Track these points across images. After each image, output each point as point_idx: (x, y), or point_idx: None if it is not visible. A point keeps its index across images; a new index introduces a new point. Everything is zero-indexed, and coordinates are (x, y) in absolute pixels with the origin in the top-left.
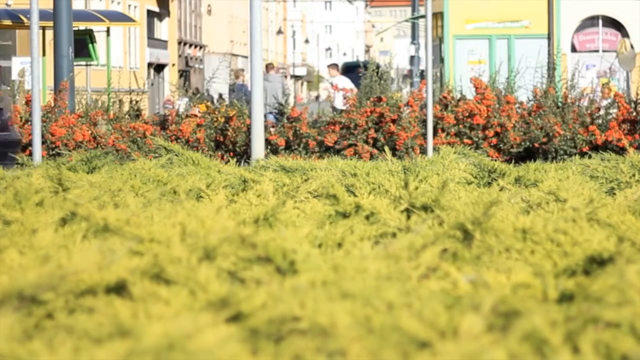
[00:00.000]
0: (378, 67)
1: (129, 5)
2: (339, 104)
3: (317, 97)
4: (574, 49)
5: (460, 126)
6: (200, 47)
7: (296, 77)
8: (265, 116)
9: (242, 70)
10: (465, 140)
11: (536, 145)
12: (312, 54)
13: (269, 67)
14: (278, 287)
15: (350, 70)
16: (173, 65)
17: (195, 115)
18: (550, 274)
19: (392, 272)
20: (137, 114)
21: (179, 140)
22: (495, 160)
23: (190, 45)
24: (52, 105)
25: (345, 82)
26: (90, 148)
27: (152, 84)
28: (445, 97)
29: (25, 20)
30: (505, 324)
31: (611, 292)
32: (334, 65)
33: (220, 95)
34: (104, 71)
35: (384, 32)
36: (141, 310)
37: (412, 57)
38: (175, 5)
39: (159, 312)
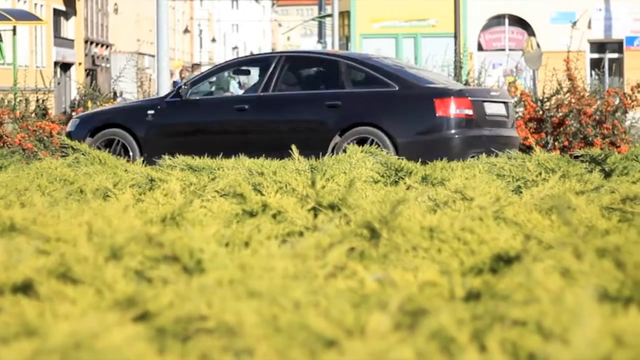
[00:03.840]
0: None
1: (35, 4)
2: None
3: None
4: (480, 48)
5: None
6: (107, 46)
7: None
8: None
9: (199, 65)
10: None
11: None
12: (219, 52)
13: None
14: (185, 286)
15: None
16: (80, 64)
17: None
18: (457, 273)
19: (299, 271)
20: (43, 113)
21: None
22: (402, 159)
23: (97, 44)
24: None
25: None
26: None
27: (59, 83)
28: None
29: None
30: (412, 323)
31: (518, 290)
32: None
33: (118, 93)
34: (10, 70)
35: (291, 31)
36: (48, 309)
37: None
38: (81, 4)
39: (65, 311)
